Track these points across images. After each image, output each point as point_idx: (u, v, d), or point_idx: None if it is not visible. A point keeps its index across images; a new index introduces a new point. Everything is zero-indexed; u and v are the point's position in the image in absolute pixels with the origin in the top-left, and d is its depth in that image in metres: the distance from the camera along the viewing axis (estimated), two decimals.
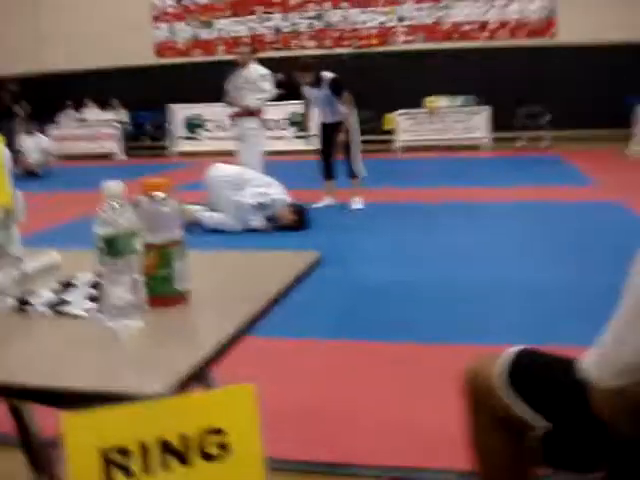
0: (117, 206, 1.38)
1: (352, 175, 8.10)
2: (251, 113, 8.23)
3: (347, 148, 8.09)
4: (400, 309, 4.39)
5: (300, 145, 14.02)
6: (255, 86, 8.13)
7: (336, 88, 7.91)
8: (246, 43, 8.57)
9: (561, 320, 4.00)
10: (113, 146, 14.58)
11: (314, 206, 7.81)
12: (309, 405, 3.05)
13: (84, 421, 1.04)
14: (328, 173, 8.28)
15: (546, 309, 4.26)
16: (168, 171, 11.71)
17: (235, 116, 8.31)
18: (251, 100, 8.12)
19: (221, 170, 6.93)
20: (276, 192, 6.84)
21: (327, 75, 7.94)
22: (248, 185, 6.77)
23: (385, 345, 3.79)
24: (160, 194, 1.50)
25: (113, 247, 1.37)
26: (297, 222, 6.72)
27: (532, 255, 5.55)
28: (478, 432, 1.79)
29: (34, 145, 12.00)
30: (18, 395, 1.32)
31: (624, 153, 11.78)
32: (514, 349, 1.69)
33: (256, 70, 8.26)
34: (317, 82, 7.92)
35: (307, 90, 8.12)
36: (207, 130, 14.72)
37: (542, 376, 1.64)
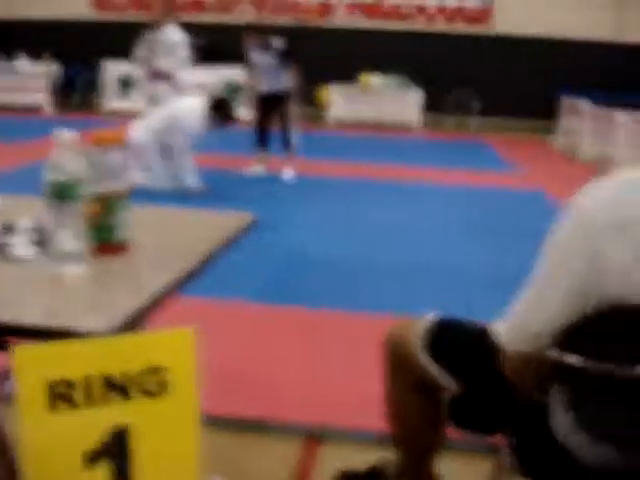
0: (67, 154, 1.43)
1: (287, 146, 8.05)
2: (164, 76, 7.72)
3: (284, 119, 8.04)
4: (324, 278, 4.51)
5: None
6: (170, 49, 7.65)
7: (288, 57, 7.85)
8: (161, 2, 7.71)
9: (476, 296, 4.19)
10: (42, 98, 14.22)
11: (245, 173, 7.89)
12: (233, 365, 3.14)
13: (34, 354, 1.11)
14: (263, 142, 8.13)
15: (462, 286, 4.45)
16: (97, 127, 11.47)
17: (149, 78, 7.78)
18: (165, 63, 7.62)
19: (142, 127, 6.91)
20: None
21: (278, 42, 7.82)
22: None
23: (308, 311, 3.91)
24: (109, 145, 1.56)
25: (60, 193, 1.42)
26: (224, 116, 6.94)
27: (451, 235, 5.74)
28: (396, 394, 1.90)
29: None
30: None
31: (548, 144, 12.16)
32: (431, 315, 1.81)
33: (173, 33, 7.75)
34: (265, 48, 7.80)
35: (254, 55, 7.94)
36: (139, 89, 14.49)
37: (457, 340, 1.76)
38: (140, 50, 7.60)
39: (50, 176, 1.42)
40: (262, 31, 7.96)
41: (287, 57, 7.84)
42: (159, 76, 7.54)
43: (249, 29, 7.99)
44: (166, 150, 6.82)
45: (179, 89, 7.60)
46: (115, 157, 1.55)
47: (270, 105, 8.00)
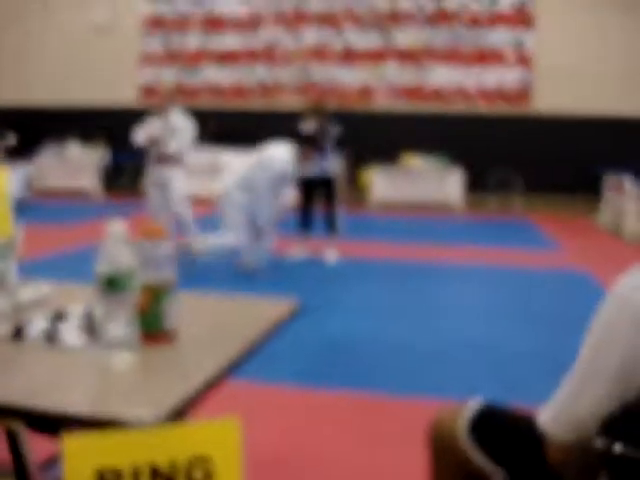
0: (119, 246, 1.49)
1: (332, 228, 8.04)
2: (171, 160, 7.80)
3: (330, 202, 8.05)
4: (368, 361, 4.50)
5: None
6: (176, 133, 7.74)
7: (339, 143, 7.96)
8: (167, 90, 7.98)
9: (522, 380, 4.13)
10: (91, 183, 14.63)
11: (288, 257, 7.92)
12: (277, 452, 3.12)
13: (83, 444, 1.13)
14: (306, 225, 8.12)
15: (507, 369, 4.39)
16: (143, 212, 11.78)
17: (155, 162, 7.79)
18: (172, 147, 7.73)
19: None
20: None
21: (334, 129, 7.92)
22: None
23: (351, 394, 3.88)
24: (157, 238, 1.61)
25: (113, 284, 1.47)
26: None
27: (496, 317, 5.69)
28: None
29: (13, 178, 12.02)
30: (15, 415, 1.40)
31: (592, 222, 12.09)
32: (476, 403, 1.80)
33: (178, 118, 7.86)
34: (321, 134, 7.76)
35: (306, 139, 7.60)
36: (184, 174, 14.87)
37: (502, 428, 1.74)
38: (141, 134, 7.69)
39: (102, 267, 1.47)
40: (311, 116, 8.04)
41: (338, 143, 7.92)
42: (166, 160, 7.65)
43: (314, 109, 8.05)
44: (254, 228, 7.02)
45: (186, 171, 7.96)
46: (162, 249, 1.60)
47: (316, 189, 8.04)
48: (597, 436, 1.35)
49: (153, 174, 7.82)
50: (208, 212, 12.09)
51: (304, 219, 8.15)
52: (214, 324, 1.85)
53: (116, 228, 1.49)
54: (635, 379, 1.29)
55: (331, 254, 7.95)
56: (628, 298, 1.31)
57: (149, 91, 16.14)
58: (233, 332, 1.74)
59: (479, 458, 1.70)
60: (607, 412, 1.33)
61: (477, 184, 13.88)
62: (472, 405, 1.80)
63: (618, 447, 1.31)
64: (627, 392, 1.30)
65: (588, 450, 1.38)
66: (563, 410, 1.42)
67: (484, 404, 1.80)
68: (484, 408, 1.78)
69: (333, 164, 7.97)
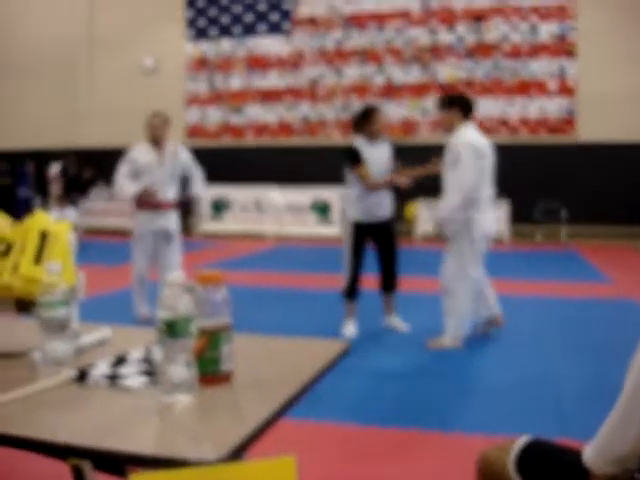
0: (177, 294, 1.57)
1: (392, 287, 6.29)
2: (179, 205, 6.71)
3: (390, 253, 6.24)
4: (411, 396, 4.52)
5: (323, 230, 14.38)
6: (183, 172, 6.63)
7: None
8: (160, 115, 6.55)
9: (572, 412, 4.11)
10: None
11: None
12: None
13: None
14: (355, 290, 6.19)
15: (557, 401, 4.37)
16: (194, 251, 12.00)
17: (158, 208, 6.47)
18: (175, 191, 6.61)
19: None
20: None
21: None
22: None
23: (398, 431, 3.91)
24: (213, 283, 1.70)
25: (172, 330, 1.55)
26: None
27: (545, 348, 5.67)
28: None
29: (61, 218, 12.28)
30: (82, 455, 1.48)
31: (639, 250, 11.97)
32: (524, 439, 1.84)
33: (183, 152, 6.66)
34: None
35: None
36: (232, 212, 15.10)
37: (549, 464, 1.77)
38: (122, 177, 6.43)
39: (162, 314, 1.55)
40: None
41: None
42: (165, 206, 6.50)
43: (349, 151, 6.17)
44: None
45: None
46: (218, 295, 1.68)
47: (367, 238, 6.19)
48: (638, 472, 1.38)
49: (152, 221, 6.49)
50: (259, 248, 12.26)
51: (354, 282, 6.19)
52: (269, 364, 1.92)
53: (175, 276, 1.58)
54: None
55: (398, 321, 6.38)
56: None
57: (196, 130, 16.48)
58: (286, 373, 1.81)
59: None
60: None
61: (522, 215, 13.82)
62: (520, 440, 1.84)
63: None
64: None
65: None
66: (606, 446, 1.46)
67: (532, 439, 1.83)
68: (531, 443, 1.82)
69: (388, 204, 6.26)
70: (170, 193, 6.53)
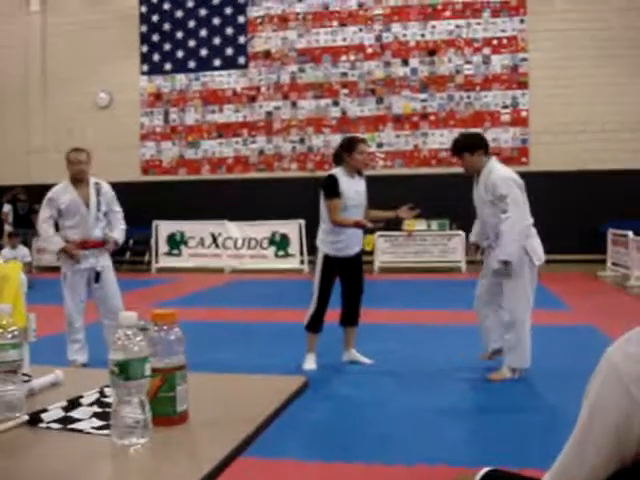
0: (130, 334, 1.54)
1: (355, 321, 6.30)
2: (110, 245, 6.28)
3: (358, 287, 6.27)
4: (376, 429, 4.49)
5: (282, 264, 14.35)
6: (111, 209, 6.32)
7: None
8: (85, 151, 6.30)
9: (531, 442, 4.12)
10: None
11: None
12: None
13: None
14: (320, 324, 6.17)
15: (516, 431, 4.38)
16: (149, 287, 11.88)
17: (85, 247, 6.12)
18: (105, 229, 6.26)
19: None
20: None
21: None
22: None
23: (363, 466, 3.88)
24: (167, 322, 1.67)
25: (125, 371, 1.52)
26: None
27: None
28: None
29: (13, 257, 12.08)
30: None
31: (598, 277, 12.14)
32: (484, 470, 1.83)
33: (106, 188, 6.35)
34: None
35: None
36: (188, 247, 14.99)
37: None
38: (44, 224, 6.16)
39: (114, 355, 1.52)
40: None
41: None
42: (94, 244, 6.16)
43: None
44: None
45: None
46: (171, 333, 1.66)
47: (336, 273, 6.17)
48: None
49: (81, 261, 6.13)
50: (216, 284, 12.18)
51: (320, 315, 6.14)
52: (226, 403, 1.89)
53: (126, 316, 1.55)
54: (630, 447, 1.32)
55: (359, 355, 6.37)
56: (620, 369, 1.34)
57: (152, 165, 16.42)
58: (243, 411, 1.79)
59: None
60: (604, 478, 1.36)
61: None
62: (481, 471, 1.83)
63: None
64: (624, 460, 1.33)
65: None
66: (562, 475, 1.46)
67: (490, 469, 1.83)
68: (490, 473, 1.81)
69: (359, 238, 6.27)
70: (98, 230, 6.18)
